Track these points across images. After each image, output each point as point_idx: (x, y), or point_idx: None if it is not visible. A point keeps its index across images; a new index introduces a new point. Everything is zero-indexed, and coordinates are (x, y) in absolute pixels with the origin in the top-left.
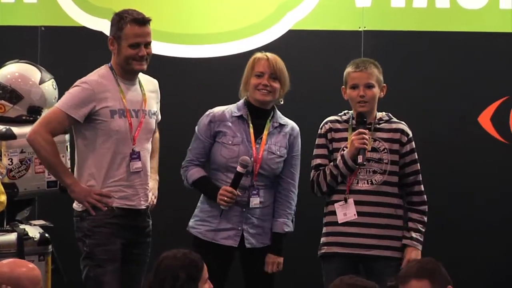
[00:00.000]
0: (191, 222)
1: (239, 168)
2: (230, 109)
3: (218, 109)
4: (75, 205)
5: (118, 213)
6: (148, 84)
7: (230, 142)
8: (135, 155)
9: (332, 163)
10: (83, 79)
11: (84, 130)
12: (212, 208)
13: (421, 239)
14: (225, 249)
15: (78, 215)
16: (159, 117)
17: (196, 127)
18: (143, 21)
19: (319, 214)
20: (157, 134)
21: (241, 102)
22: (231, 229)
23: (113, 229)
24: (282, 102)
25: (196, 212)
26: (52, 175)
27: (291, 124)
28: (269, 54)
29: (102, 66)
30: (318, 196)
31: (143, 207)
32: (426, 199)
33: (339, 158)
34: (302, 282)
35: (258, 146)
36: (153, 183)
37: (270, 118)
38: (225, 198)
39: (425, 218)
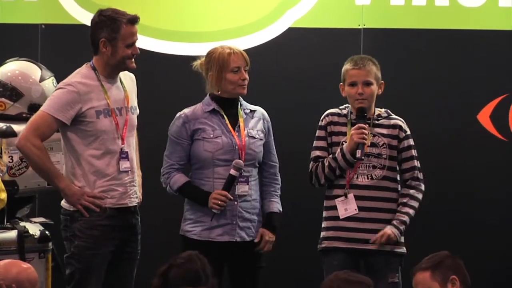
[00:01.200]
0: (184, 227)
1: (232, 171)
2: (199, 107)
3: (188, 110)
4: (65, 203)
5: (110, 214)
6: (126, 78)
7: (211, 135)
8: (124, 155)
9: (331, 156)
10: (66, 81)
11: (71, 132)
12: (203, 208)
13: (401, 228)
14: (221, 245)
15: (69, 214)
16: (138, 110)
17: (169, 132)
18: (137, 20)
19: (319, 208)
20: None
21: (207, 98)
22: (226, 224)
23: (104, 232)
24: None
25: (187, 215)
26: (44, 179)
27: (259, 108)
28: (233, 47)
29: (83, 66)
30: (316, 188)
31: (134, 204)
32: (420, 197)
33: (338, 151)
34: (299, 276)
35: (238, 134)
36: (138, 179)
37: (239, 105)
38: (219, 202)
39: (417, 204)
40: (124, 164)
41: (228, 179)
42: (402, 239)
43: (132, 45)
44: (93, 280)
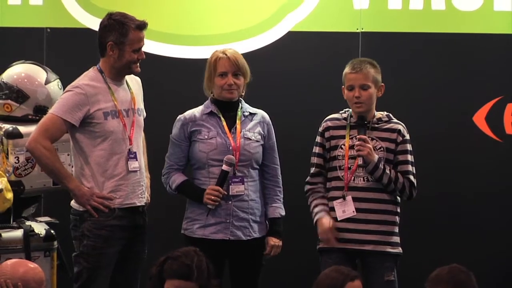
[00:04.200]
0: (184, 225)
1: (224, 167)
2: (199, 110)
3: (187, 112)
4: (74, 203)
5: (119, 214)
6: (133, 81)
7: (206, 136)
8: (132, 155)
9: (315, 204)
10: (74, 83)
11: (80, 134)
12: (200, 205)
13: (381, 166)
14: (215, 243)
15: (78, 214)
16: (144, 113)
17: (171, 135)
18: (145, 26)
19: None
20: (142, 132)
21: (207, 101)
22: (220, 222)
23: (112, 232)
24: (243, 93)
25: (186, 214)
26: (54, 180)
27: (260, 112)
28: (228, 52)
29: (90, 69)
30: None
31: (142, 203)
32: (403, 188)
33: (314, 218)
34: (298, 275)
35: (233, 135)
36: (146, 181)
37: (239, 108)
38: (212, 197)
39: (401, 182)
40: (133, 164)
41: (220, 175)
42: (398, 240)
43: (139, 50)
44: (100, 279)
